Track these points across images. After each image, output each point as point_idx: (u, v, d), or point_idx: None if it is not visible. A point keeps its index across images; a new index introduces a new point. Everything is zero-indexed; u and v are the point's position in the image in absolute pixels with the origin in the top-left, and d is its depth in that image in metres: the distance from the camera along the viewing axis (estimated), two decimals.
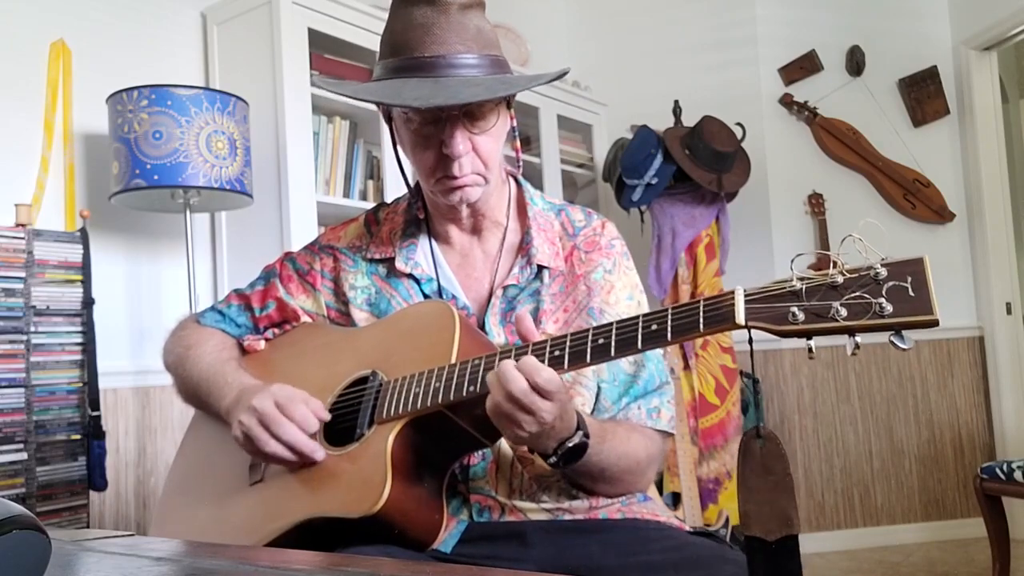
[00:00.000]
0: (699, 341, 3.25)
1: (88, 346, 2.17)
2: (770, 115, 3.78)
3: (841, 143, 3.79)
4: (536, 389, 0.88)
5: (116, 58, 2.51)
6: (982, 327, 3.78)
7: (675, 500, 3.09)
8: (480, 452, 1.08)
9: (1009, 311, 3.75)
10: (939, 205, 3.80)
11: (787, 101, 3.78)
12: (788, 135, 3.79)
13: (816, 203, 3.72)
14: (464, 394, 0.94)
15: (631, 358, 1.14)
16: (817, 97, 3.77)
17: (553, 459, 0.97)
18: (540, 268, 1.15)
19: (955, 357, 3.79)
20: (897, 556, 3.44)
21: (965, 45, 3.80)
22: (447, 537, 1.04)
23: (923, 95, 3.85)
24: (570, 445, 0.96)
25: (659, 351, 1.18)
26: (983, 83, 3.81)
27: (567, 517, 1.09)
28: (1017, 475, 2.55)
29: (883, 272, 0.73)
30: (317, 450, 1.02)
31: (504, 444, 1.08)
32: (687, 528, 1.13)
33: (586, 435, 0.97)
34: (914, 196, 3.79)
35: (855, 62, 3.81)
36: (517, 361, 0.90)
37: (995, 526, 2.68)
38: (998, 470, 2.62)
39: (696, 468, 3.12)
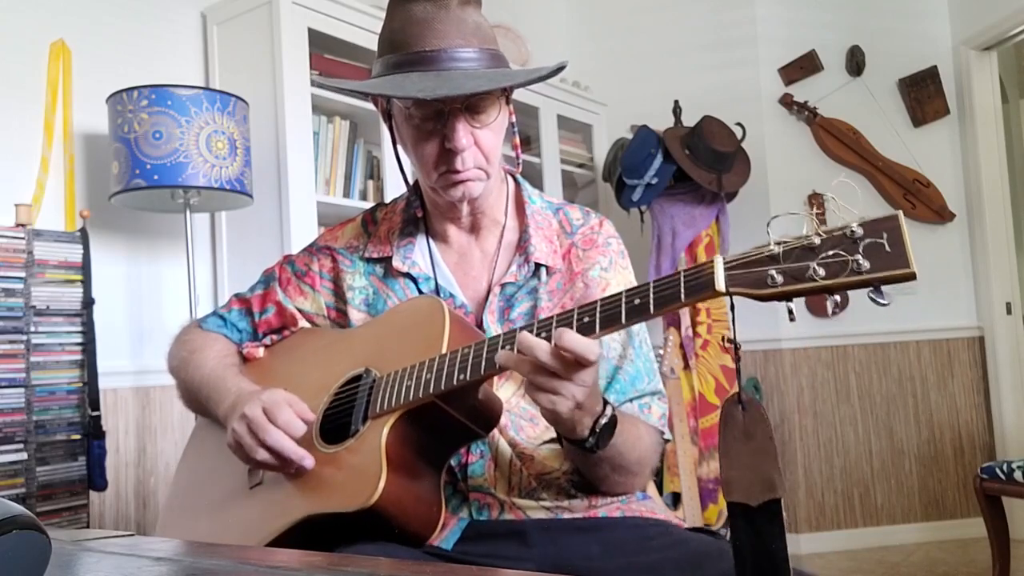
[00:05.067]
0: (699, 341, 3.25)
1: (88, 346, 2.17)
2: (770, 115, 3.78)
3: (841, 143, 3.79)
4: (578, 359, 0.86)
5: (116, 58, 2.51)
6: (982, 327, 3.78)
7: (675, 500, 3.09)
8: (479, 450, 1.08)
9: (1009, 311, 3.75)
10: (939, 205, 3.80)
11: (787, 101, 3.78)
12: (788, 135, 3.79)
13: (816, 203, 3.72)
14: (455, 382, 0.94)
15: (618, 349, 1.14)
16: (817, 97, 3.78)
17: (591, 440, 0.94)
18: (538, 266, 1.16)
19: (955, 357, 3.79)
20: (897, 556, 3.44)
21: (965, 45, 3.80)
22: (447, 535, 1.04)
23: (923, 95, 3.85)
24: (604, 422, 0.94)
25: (651, 354, 1.18)
26: (983, 83, 3.81)
27: (567, 515, 1.09)
28: (1017, 475, 2.55)
29: (859, 231, 0.73)
30: (305, 457, 1.02)
31: (503, 441, 1.08)
32: (685, 527, 1.13)
33: (614, 411, 0.96)
34: (914, 196, 3.79)
35: (855, 62, 3.81)
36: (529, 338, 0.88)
37: (995, 526, 2.68)
38: (998, 470, 2.62)
39: (696, 468, 3.12)
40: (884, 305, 0.71)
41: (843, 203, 0.74)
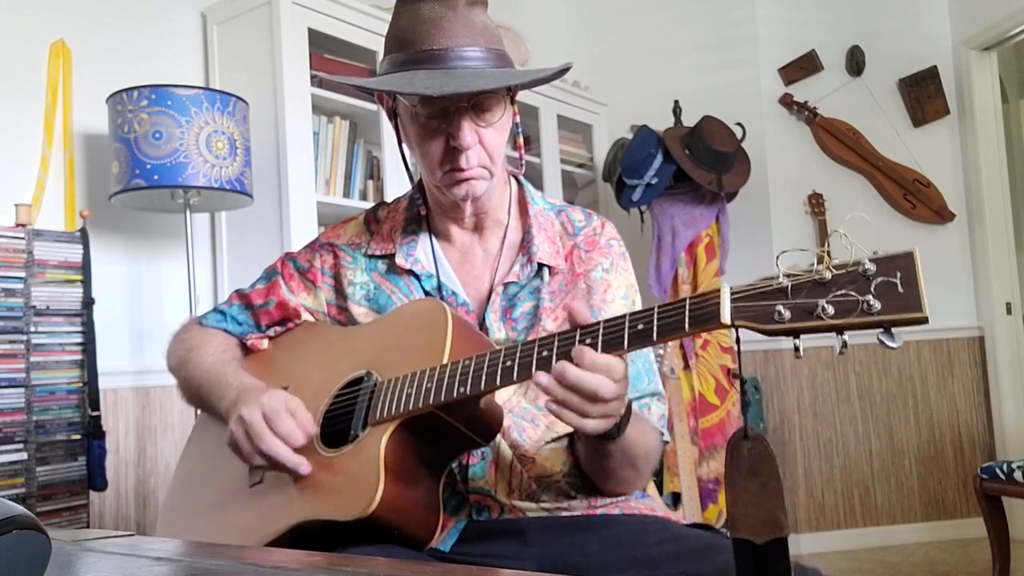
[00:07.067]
0: (699, 341, 3.26)
1: (88, 346, 2.17)
2: (770, 115, 3.78)
3: (841, 143, 3.79)
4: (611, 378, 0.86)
5: (116, 58, 2.51)
6: (982, 327, 3.78)
7: (675, 500, 3.09)
8: (479, 452, 1.08)
9: (1009, 311, 3.75)
10: (939, 205, 3.80)
11: (787, 101, 3.78)
12: (788, 135, 3.79)
13: (816, 203, 3.72)
14: (455, 395, 0.94)
15: None
16: (817, 97, 3.78)
17: (612, 429, 0.94)
18: (540, 266, 1.16)
19: (955, 357, 3.79)
20: (897, 556, 3.44)
21: (965, 45, 3.80)
22: (446, 537, 1.04)
23: (923, 95, 3.85)
24: (622, 411, 0.93)
25: (650, 355, 1.18)
26: (983, 83, 3.81)
27: (566, 515, 1.09)
28: (1017, 475, 2.55)
29: (871, 268, 0.71)
30: (301, 465, 1.02)
31: (504, 444, 1.08)
32: (684, 522, 1.13)
33: (629, 400, 0.96)
34: (914, 196, 3.79)
35: (855, 62, 3.81)
36: (568, 358, 0.88)
37: (995, 526, 2.68)
38: (998, 470, 2.62)
39: (696, 468, 3.12)
40: (893, 348, 0.69)
41: (855, 241, 0.72)
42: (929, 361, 3.77)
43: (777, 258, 0.75)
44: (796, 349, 0.74)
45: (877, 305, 0.70)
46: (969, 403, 3.78)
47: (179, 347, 1.29)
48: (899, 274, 0.70)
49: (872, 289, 0.70)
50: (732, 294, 0.78)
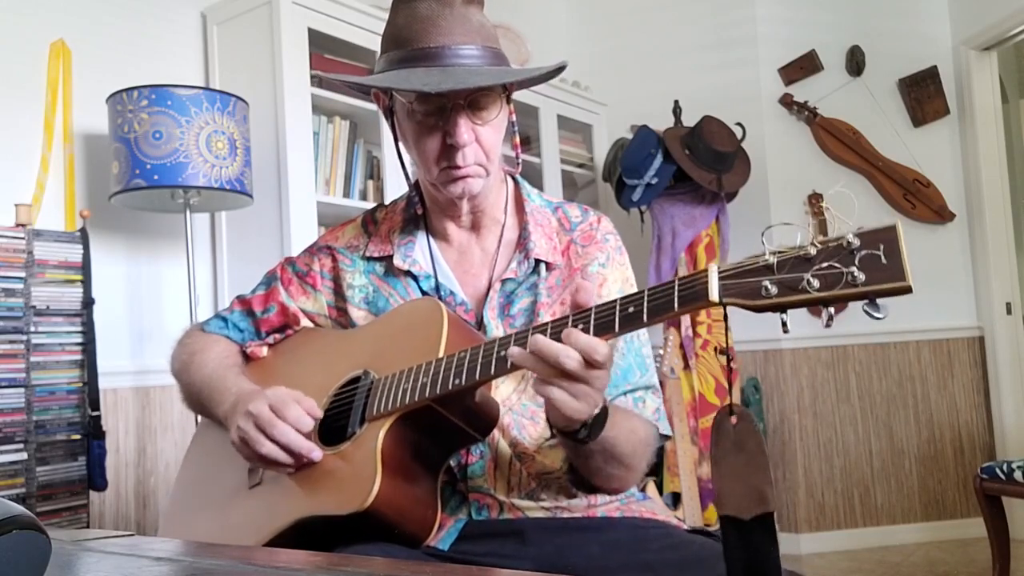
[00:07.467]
0: (699, 342, 3.26)
1: (88, 346, 2.17)
2: (770, 115, 3.78)
3: (841, 143, 3.79)
4: (589, 361, 0.85)
5: (116, 58, 2.51)
6: (982, 327, 3.78)
7: (675, 500, 3.09)
8: (478, 451, 1.08)
9: (1009, 311, 3.75)
10: (939, 205, 3.80)
11: (787, 101, 3.78)
12: (788, 135, 3.79)
13: (816, 203, 3.72)
14: (450, 387, 0.95)
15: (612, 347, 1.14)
16: (817, 97, 3.78)
17: (583, 431, 0.93)
18: (538, 262, 1.16)
19: (955, 357, 3.79)
20: (897, 556, 3.44)
21: (965, 45, 3.80)
22: (444, 535, 1.04)
23: (923, 95, 3.85)
24: (596, 412, 0.92)
25: (647, 351, 1.18)
26: (983, 83, 3.81)
27: (566, 515, 1.09)
28: (1017, 475, 2.55)
29: (855, 241, 0.72)
30: (314, 449, 1.02)
31: (503, 442, 1.08)
32: (685, 527, 1.13)
33: (605, 402, 0.95)
34: (914, 196, 3.79)
35: (855, 62, 3.81)
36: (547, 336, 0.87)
37: (995, 526, 2.68)
38: (998, 470, 2.62)
39: (696, 468, 3.12)
40: (879, 319, 0.71)
41: (838, 214, 0.74)
42: (929, 361, 3.77)
43: (762, 234, 0.77)
44: (783, 324, 0.76)
45: (861, 276, 0.71)
46: (969, 403, 3.78)
47: (182, 352, 1.30)
48: (882, 246, 0.71)
49: (856, 262, 0.72)
50: (720, 273, 0.79)
